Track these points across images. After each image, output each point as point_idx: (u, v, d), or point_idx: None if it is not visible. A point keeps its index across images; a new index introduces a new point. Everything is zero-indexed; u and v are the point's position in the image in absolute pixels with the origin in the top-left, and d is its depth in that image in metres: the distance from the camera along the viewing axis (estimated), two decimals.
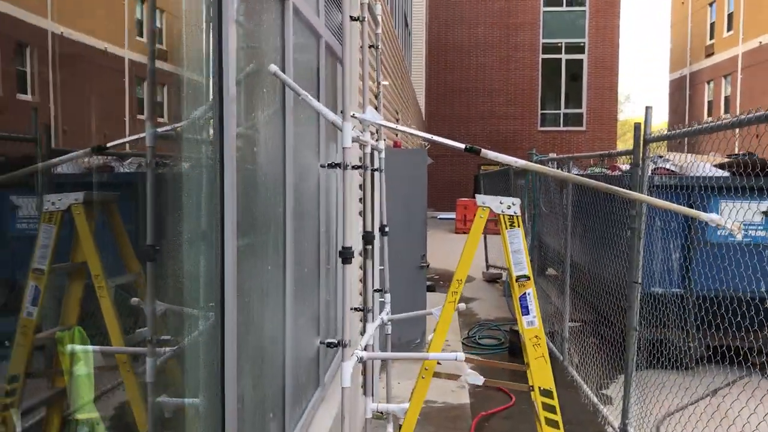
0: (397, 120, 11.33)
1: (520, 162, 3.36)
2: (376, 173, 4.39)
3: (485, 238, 16.29)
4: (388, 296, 4.26)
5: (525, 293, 3.27)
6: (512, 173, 11.98)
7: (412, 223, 8.40)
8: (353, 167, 5.04)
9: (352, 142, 2.94)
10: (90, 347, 2.48)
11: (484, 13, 32.53)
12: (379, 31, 4.13)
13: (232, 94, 2.51)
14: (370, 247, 3.50)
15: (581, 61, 32.76)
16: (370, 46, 4.43)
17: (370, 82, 7.04)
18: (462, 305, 3.75)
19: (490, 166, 22.89)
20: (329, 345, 2.88)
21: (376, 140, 4.27)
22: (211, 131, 2.49)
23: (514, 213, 3.27)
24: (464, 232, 24.35)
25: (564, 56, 32.82)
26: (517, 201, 3.29)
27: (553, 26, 32.62)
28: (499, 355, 8.89)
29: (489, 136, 32.09)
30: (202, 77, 2.48)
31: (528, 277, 3.25)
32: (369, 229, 3.51)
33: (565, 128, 33.02)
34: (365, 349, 3.31)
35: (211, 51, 2.50)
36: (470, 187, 29.30)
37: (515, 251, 3.26)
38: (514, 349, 8.20)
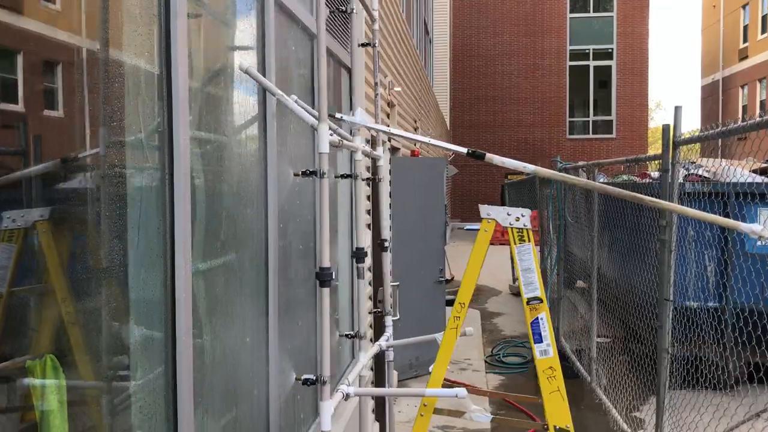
0: (416, 129, 10.96)
1: (529, 167, 2.96)
2: (380, 183, 4.00)
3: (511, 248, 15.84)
4: (389, 319, 3.86)
5: (537, 318, 2.86)
6: (538, 182, 11.52)
7: (430, 235, 8.00)
8: (365, 179, 4.67)
9: (334, 147, 2.57)
10: (63, 378, 2.14)
11: (510, 20, 32.08)
12: (377, 27, 3.76)
13: (182, 94, 2.15)
14: (361, 265, 3.13)
15: (610, 67, 32.13)
16: (365, 44, 4.06)
17: (381, 89, 6.69)
18: (470, 329, 3.34)
19: (515, 175, 22.37)
20: (305, 382, 2.50)
21: (369, 144, 3.89)
22: (157, 137, 2.14)
23: (524, 226, 2.87)
24: (491, 243, 23.88)
25: (592, 63, 32.22)
26: (527, 212, 2.89)
27: (580, 32, 32.05)
28: (523, 374, 8.43)
29: (516, 145, 31.57)
30: (150, 74, 2.13)
31: (540, 300, 2.85)
32: (360, 245, 3.13)
33: (594, 136, 32.36)
34: (366, 376, 2.93)
35: (159, 46, 2.15)
36: (497, 197, 28.80)
37: (525, 270, 2.85)
38: None
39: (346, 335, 3.35)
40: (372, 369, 5.97)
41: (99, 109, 1.93)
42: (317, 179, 2.45)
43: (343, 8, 3.34)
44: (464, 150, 3.02)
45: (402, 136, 2.98)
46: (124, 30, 2.01)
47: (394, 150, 8.04)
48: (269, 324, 3.00)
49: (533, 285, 2.85)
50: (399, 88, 7.52)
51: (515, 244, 2.88)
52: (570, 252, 9.57)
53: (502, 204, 17.31)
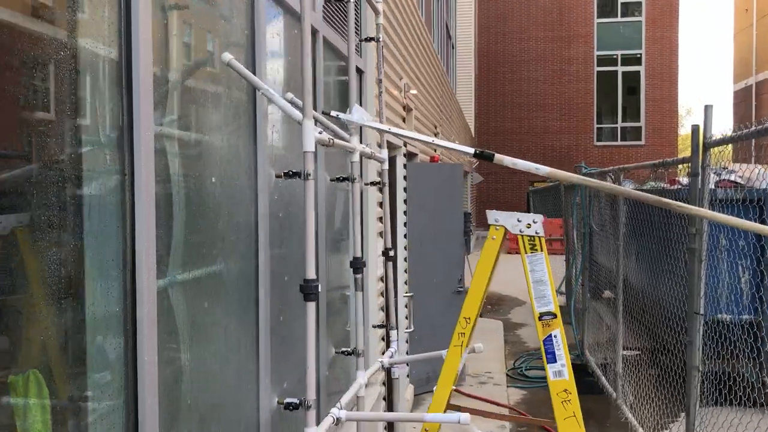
0: (437, 134, 10.69)
1: (543, 169, 2.69)
2: (384, 188, 3.75)
3: (522, 260, 15.45)
4: (395, 333, 3.59)
5: (551, 335, 2.58)
6: (563, 189, 11.18)
7: (449, 244, 7.71)
8: (372, 183, 4.42)
9: (324, 146, 2.32)
10: (47, 395, 1.93)
11: (536, 26, 31.70)
12: (380, 21, 3.53)
13: (145, 84, 1.92)
14: (359, 276, 2.88)
15: (638, 73, 31.57)
16: (368, 39, 3.82)
17: (396, 92, 6.44)
18: (479, 345, 3.07)
19: (541, 182, 21.98)
20: (288, 406, 2.25)
21: (367, 145, 3.63)
22: (116, 133, 1.91)
23: (536, 233, 2.59)
24: (516, 252, 23.45)
25: (620, 68, 31.69)
26: (539, 218, 2.61)
27: (608, 38, 31.55)
28: (547, 389, 8.10)
29: (542, 152, 31.14)
30: (106, 60, 1.90)
31: (554, 315, 2.57)
32: (358, 254, 2.89)
33: (622, 143, 31.79)
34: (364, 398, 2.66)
35: (118, 26, 1.92)
36: (524, 205, 28.36)
37: (537, 281, 2.58)
38: None
39: (343, 352, 3.10)
40: (384, 384, 5.70)
41: (42, 100, 1.70)
42: (309, 181, 2.20)
43: None
44: (471, 150, 2.76)
45: (402, 136, 2.73)
46: (74, 5, 1.79)
47: (411, 156, 7.79)
48: (260, 341, 2.76)
49: (546, 298, 2.57)
50: (415, 91, 7.27)
51: (526, 253, 2.60)
52: (596, 261, 9.23)
53: (528, 212, 16.95)
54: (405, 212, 6.87)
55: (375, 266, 5.14)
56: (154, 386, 1.93)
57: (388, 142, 5.97)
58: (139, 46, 1.89)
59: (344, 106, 4.54)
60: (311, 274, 2.14)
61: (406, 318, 6.63)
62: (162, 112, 2.11)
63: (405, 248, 6.91)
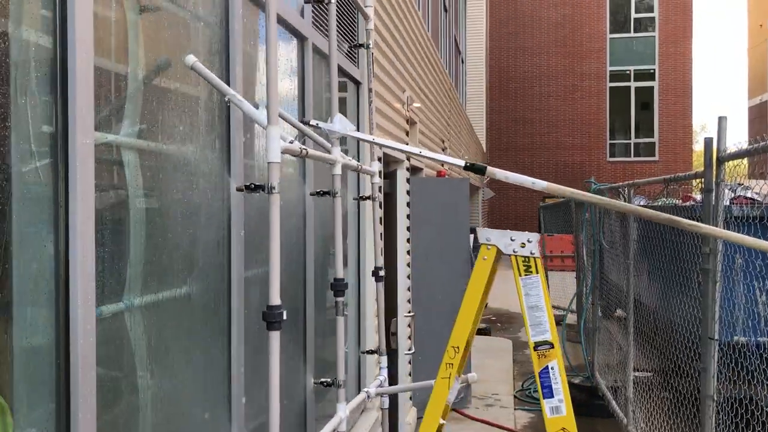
0: (444, 150, 10.48)
1: (539, 183, 2.47)
2: (373, 204, 3.52)
3: (546, 274, 15.14)
4: (384, 360, 3.35)
5: (547, 367, 2.34)
6: (573, 205, 10.91)
7: (454, 260, 7.47)
8: (364, 198, 4.20)
9: (295, 156, 2.10)
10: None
11: (547, 42, 31.51)
12: (371, 26, 3.32)
13: (83, 81, 1.71)
14: (341, 299, 2.65)
15: (652, 88, 31.26)
16: (359, 45, 3.61)
17: (397, 105, 6.23)
18: (473, 375, 2.83)
19: (552, 198, 21.68)
20: None
21: (354, 157, 3.41)
22: (47, 138, 1.70)
23: (531, 254, 2.36)
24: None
25: (633, 84, 31.40)
26: (535, 236, 2.38)
27: (621, 53, 31.29)
28: None
29: (555, 168, 30.84)
30: (36, 50, 1.69)
31: (551, 345, 2.33)
32: (339, 275, 2.66)
33: (636, 159, 31.44)
34: None
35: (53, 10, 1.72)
36: (535, 220, 28.05)
37: (532, 307, 2.34)
38: (574, 406, 7.11)
39: (322, 383, 2.87)
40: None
41: None
42: (274, 195, 1.98)
43: None
44: (462, 163, 2.54)
45: (387, 146, 2.51)
46: None
47: (415, 170, 7.57)
48: (232, 373, 2.52)
49: (542, 326, 2.34)
50: (418, 104, 7.07)
51: (520, 275, 2.37)
52: (607, 279, 8.95)
53: (539, 229, 16.63)
54: (408, 228, 6.64)
55: (373, 286, 4.90)
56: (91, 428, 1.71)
57: (388, 156, 5.76)
58: (75, 32, 1.67)
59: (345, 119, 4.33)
60: (275, 299, 1.92)
61: (409, 339, 6.38)
62: (111, 115, 1.90)
63: (408, 265, 6.67)
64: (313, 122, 2.54)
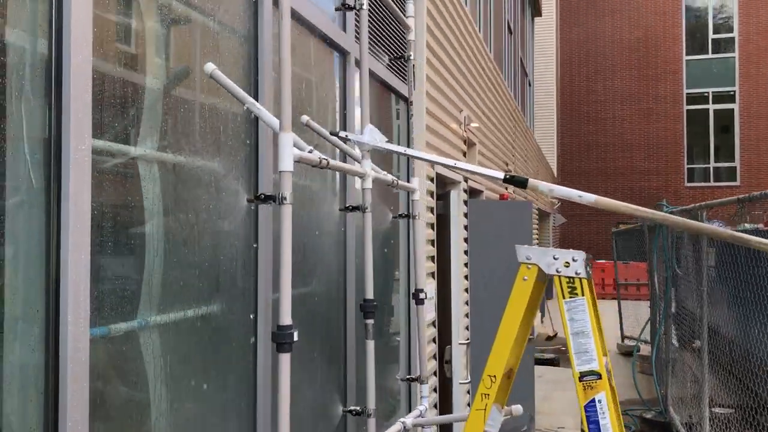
0: (507, 171, 10.21)
1: (586, 197, 2.25)
2: (415, 222, 3.34)
3: (619, 303, 14.54)
4: (425, 388, 3.15)
5: (593, 400, 2.10)
6: (646, 230, 10.43)
7: None
8: (401, 216, 4.03)
9: (314, 167, 1.96)
10: None
11: (622, 65, 30.80)
12: (412, 38, 3.18)
13: (78, 86, 1.61)
14: (370, 321, 2.48)
15: (732, 110, 30.08)
16: (398, 57, 3.46)
17: (453, 125, 6.06)
18: (517, 407, 2.60)
19: (626, 224, 20.98)
20: None
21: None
22: (40, 145, 1.61)
23: (576, 273, 2.13)
24: (602, 297, 22.30)
25: (712, 106, 30.29)
26: (581, 255, 2.16)
27: (698, 75, 30.28)
28: None
29: (630, 193, 29.92)
30: (29, 52, 1.61)
31: (598, 375, 2.09)
32: (369, 295, 2.50)
33: (715, 184, 30.20)
34: None
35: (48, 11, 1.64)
36: (609, 247, 27.20)
37: (578, 333, 2.11)
38: None
39: (351, 411, 2.69)
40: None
41: None
42: (286, 206, 1.84)
43: (351, 5, 2.75)
44: (501, 175, 2.35)
45: (422, 159, 2.34)
46: None
47: (474, 192, 7.36)
48: (258, 399, 2.37)
49: (588, 354, 2.10)
50: (476, 124, 6.87)
51: (564, 298, 2.15)
52: (683, 308, 8.46)
53: (613, 256, 16.03)
54: (466, 252, 6.42)
55: (424, 309, 4.70)
56: None
57: (442, 176, 5.58)
58: (71, 35, 1.58)
59: (391, 136, 4.20)
60: (286, 318, 1.77)
61: (466, 368, 6.13)
62: (118, 123, 1.80)
63: (466, 291, 6.44)
64: (342, 133, 2.40)
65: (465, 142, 6.52)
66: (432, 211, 5.04)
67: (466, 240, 6.37)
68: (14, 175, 1.57)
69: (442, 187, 6.00)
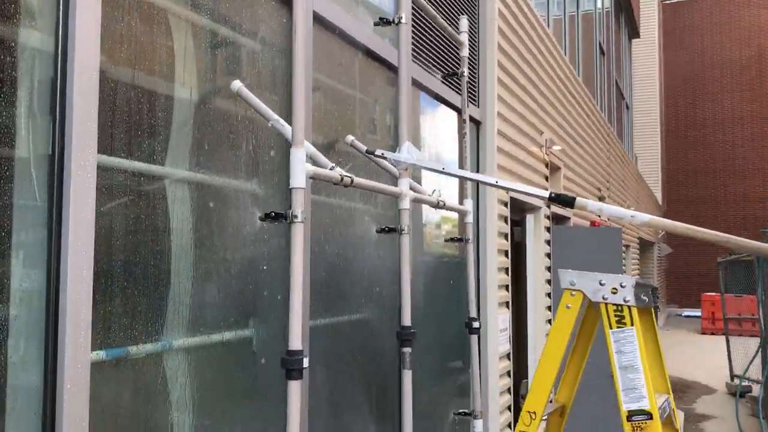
0: (602, 199, 9.80)
1: (639, 217, 2.05)
2: (467, 245, 3.18)
3: (727, 339, 13.61)
4: (479, 424, 2.95)
5: None
6: (756, 261, 9.73)
7: None
8: (453, 240, 3.87)
9: (336, 184, 1.87)
10: None
11: (731, 85, 29.31)
12: (465, 54, 3.05)
13: (85, 94, 1.58)
14: (407, 350, 2.34)
15: None
16: (451, 74, 3.33)
17: (533, 148, 5.84)
18: None
19: (735, 253, 19.75)
20: None
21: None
22: (44, 158, 1.59)
23: (624, 301, 1.92)
24: (712, 333, 20.95)
25: None
26: (630, 281, 1.95)
27: None
28: None
29: (743, 222, 28.24)
30: (37, 54, 1.60)
31: (649, 415, 1.86)
32: (406, 322, 2.35)
33: None
34: None
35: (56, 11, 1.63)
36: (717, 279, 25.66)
37: (626, 367, 1.89)
38: None
39: None
40: None
41: None
42: (297, 224, 1.75)
43: (387, 19, 2.66)
44: (546, 194, 2.18)
45: (460, 177, 2.20)
46: None
47: (560, 218, 7.07)
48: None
49: (638, 391, 1.87)
50: (559, 147, 6.61)
51: (611, 327, 1.94)
52: None
53: (720, 289, 15.09)
54: (548, 281, 6.14)
55: (494, 338, 4.50)
56: None
57: (520, 202, 5.37)
58: (75, 32, 1.55)
59: (450, 154, 4.07)
60: (296, 343, 1.66)
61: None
62: (126, 134, 1.77)
63: (549, 322, 6.15)
64: (378, 152, 2.30)
65: (547, 165, 6.28)
66: (506, 237, 4.83)
67: (548, 269, 6.10)
68: (17, 183, 1.55)
69: (519, 212, 5.78)
